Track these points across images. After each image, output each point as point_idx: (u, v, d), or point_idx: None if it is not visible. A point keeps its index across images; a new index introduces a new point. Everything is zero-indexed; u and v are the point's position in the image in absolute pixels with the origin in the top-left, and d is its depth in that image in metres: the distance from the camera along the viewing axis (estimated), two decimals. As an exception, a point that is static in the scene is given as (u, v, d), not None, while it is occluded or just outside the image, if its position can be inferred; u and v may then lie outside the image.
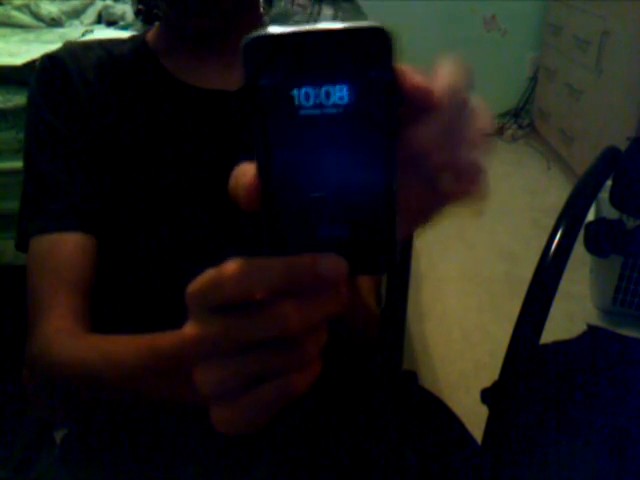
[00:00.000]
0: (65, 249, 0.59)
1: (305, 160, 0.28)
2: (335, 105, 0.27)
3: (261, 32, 0.26)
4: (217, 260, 0.28)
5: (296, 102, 0.27)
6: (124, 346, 0.49)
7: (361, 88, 0.27)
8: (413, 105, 0.28)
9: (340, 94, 0.27)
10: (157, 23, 0.70)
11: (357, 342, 0.62)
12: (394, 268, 0.30)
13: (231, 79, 0.65)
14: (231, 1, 0.59)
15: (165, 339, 0.44)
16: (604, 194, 1.41)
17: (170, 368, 0.43)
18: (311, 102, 0.27)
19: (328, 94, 0.27)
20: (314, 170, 0.28)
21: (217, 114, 0.64)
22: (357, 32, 0.26)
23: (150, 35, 0.68)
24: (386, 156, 0.28)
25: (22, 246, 0.62)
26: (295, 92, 0.27)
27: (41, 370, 0.55)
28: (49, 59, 0.64)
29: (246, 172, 0.28)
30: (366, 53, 0.26)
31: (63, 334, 0.55)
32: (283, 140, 0.28)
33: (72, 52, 0.65)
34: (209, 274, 0.28)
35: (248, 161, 0.29)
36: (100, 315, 0.61)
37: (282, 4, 1.61)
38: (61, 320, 0.56)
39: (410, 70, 0.28)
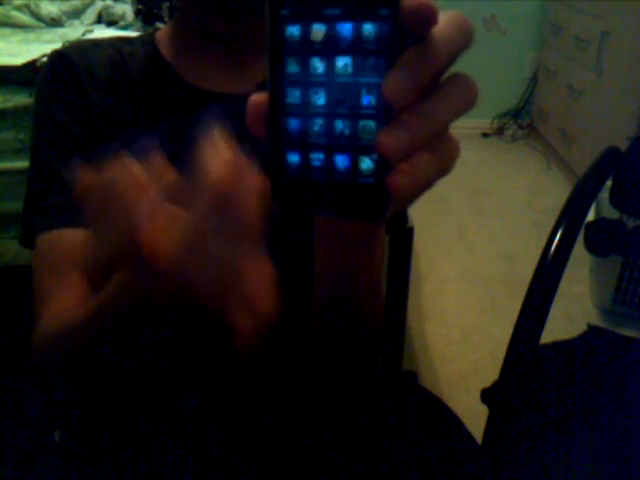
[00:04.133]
0: (69, 242, 0.58)
1: (311, 92, 0.29)
2: (346, 39, 0.28)
3: None
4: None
5: (310, 33, 0.29)
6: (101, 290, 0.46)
7: (370, 23, 0.28)
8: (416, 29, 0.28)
9: (351, 28, 0.28)
10: (163, 25, 0.69)
11: (364, 332, 0.62)
12: (383, 217, 0.30)
13: (243, 82, 0.64)
14: (256, 7, 0.59)
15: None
16: (604, 194, 1.41)
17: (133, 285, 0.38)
18: (323, 34, 0.29)
19: (340, 28, 0.28)
20: (319, 103, 0.29)
21: (228, 117, 0.64)
22: None
23: (160, 36, 0.67)
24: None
25: (26, 242, 0.62)
26: (309, 23, 0.29)
27: (42, 351, 0.53)
28: (58, 56, 0.63)
29: (257, 100, 0.30)
30: None
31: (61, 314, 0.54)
32: (294, 70, 0.29)
33: (82, 50, 0.64)
34: None
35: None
36: None
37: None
38: (63, 304, 0.55)
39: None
